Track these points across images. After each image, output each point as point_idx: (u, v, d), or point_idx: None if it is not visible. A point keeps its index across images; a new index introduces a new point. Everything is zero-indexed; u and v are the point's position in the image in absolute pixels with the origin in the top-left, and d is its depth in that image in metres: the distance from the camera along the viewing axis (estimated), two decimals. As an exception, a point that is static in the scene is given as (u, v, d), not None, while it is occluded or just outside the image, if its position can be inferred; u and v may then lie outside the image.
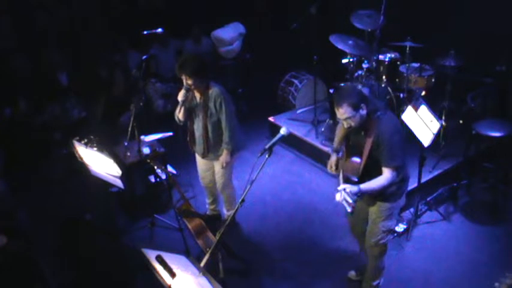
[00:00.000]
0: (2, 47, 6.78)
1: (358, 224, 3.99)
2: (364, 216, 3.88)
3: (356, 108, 3.33)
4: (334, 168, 3.71)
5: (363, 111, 3.37)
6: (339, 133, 3.73)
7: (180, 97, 4.33)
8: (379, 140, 3.40)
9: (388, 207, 3.68)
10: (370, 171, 3.50)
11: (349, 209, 3.33)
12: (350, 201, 3.30)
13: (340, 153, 3.70)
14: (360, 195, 3.40)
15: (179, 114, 4.46)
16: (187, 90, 4.28)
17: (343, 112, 3.35)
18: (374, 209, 3.74)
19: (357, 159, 3.54)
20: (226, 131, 4.44)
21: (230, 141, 4.46)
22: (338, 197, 3.35)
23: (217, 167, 4.72)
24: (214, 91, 4.35)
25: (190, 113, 4.50)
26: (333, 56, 6.05)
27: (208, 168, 4.84)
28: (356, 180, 3.53)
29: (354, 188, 3.34)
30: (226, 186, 4.85)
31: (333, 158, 3.72)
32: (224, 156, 4.55)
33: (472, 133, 5.04)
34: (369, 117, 3.41)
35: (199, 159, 4.83)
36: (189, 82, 4.22)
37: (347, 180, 3.55)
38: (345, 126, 3.46)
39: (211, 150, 4.58)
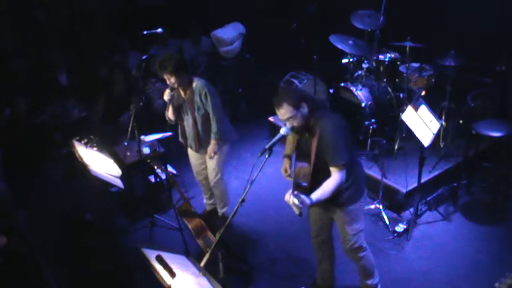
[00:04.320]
0: (2, 47, 6.78)
1: (323, 231, 3.89)
2: (327, 222, 3.83)
3: (296, 107, 3.25)
4: (288, 173, 3.66)
5: (304, 110, 3.29)
6: (289, 139, 3.69)
7: (166, 96, 4.43)
8: (322, 138, 3.29)
9: (350, 210, 3.58)
10: (319, 174, 3.39)
11: (297, 212, 3.17)
12: (298, 204, 3.14)
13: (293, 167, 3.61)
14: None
15: (169, 113, 4.58)
16: (172, 89, 4.36)
17: (283, 112, 3.26)
18: (337, 215, 3.66)
19: (305, 164, 3.45)
20: (214, 121, 4.49)
21: (218, 131, 4.51)
22: (287, 197, 3.21)
23: (209, 162, 4.75)
24: (197, 84, 4.43)
25: (179, 111, 4.58)
26: (333, 56, 6.05)
27: (201, 163, 4.88)
28: (305, 185, 3.40)
29: (306, 200, 3.18)
30: (218, 182, 4.87)
31: (286, 164, 3.71)
32: (211, 146, 4.59)
33: (472, 133, 5.03)
34: (311, 115, 3.32)
35: (192, 155, 4.87)
36: (172, 80, 4.29)
37: (297, 186, 3.42)
38: (288, 126, 3.33)
39: (202, 144, 4.64)
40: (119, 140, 5.56)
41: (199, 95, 4.41)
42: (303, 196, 3.19)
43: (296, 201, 3.14)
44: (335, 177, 3.31)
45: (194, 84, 4.43)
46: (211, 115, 4.47)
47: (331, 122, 3.33)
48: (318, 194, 3.28)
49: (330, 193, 3.31)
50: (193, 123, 4.54)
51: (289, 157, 3.73)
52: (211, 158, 4.66)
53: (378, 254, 4.42)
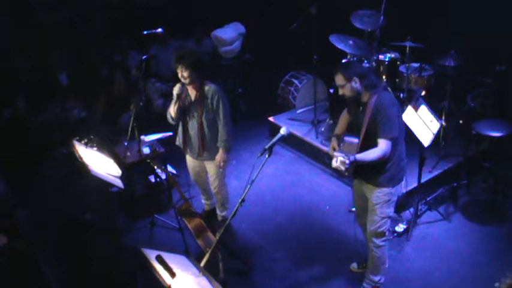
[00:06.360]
0: (2, 47, 6.78)
1: (364, 215, 4.06)
2: (365, 210, 3.97)
3: (347, 79, 3.58)
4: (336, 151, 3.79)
5: (356, 84, 3.58)
6: (342, 119, 3.93)
7: (176, 90, 4.35)
8: (376, 112, 3.54)
9: (386, 193, 3.77)
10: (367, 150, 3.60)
11: (343, 168, 3.42)
12: (346, 161, 3.40)
13: (341, 144, 3.81)
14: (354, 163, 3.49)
15: (173, 110, 4.43)
16: (183, 84, 4.31)
17: (337, 79, 3.65)
18: (372, 196, 3.82)
19: (354, 139, 3.68)
20: (224, 128, 4.45)
21: (227, 140, 4.47)
22: (334, 162, 3.47)
23: (212, 169, 4.70)
24: (210, 88, 4.40)
25: (184, 112, 4.48)
26: (333, 56, 6.05)
27: (201, 170, 4.84)
28: None
29: (350, 156, 3.44)
30: (221, 188, 4.86)
31: (334, 143, 3.85)
32: (221, 154, 4.54)
33: (472, 133, 5.04)
34: (366, 91, 3.61)
35: (190, 161, 4.79)
36: (185, 74, 4.24)
37: None
38: (339, 93, 3.69)
39: (206, 149, 4.56)
40: (119, 140, 5.56)
41: (211, 98, 4.37)
42: (346, 154, 3.46)
43: (342, 158, 3.41)
44: (381, 147, 3.55)
45: (207, 88, 4.39)
46: (220, 121, 4.43)
47: (387, 99, 3.62)
48: (362, 155, 3.55)
49: (372, 159, 3.56)
50: (199, 127, 4.45)
51: (338, 137, 3.88)
52: (220, 167, 4.62)
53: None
